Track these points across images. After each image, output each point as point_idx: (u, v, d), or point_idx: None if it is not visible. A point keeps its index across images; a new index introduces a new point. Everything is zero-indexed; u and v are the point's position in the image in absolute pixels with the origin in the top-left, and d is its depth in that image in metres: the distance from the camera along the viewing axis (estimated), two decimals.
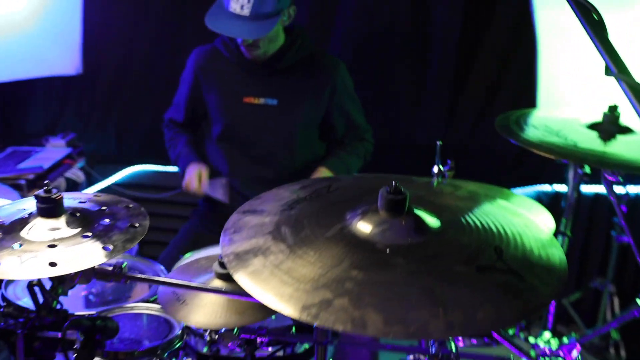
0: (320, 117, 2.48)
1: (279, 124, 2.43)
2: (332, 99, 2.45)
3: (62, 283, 1.21)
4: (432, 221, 1.19)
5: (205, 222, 2.50)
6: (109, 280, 1.17)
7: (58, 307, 1.36)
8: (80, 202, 1.22)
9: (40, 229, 1.12)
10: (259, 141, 2.45)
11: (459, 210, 1.27)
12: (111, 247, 1.08)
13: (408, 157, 3.27)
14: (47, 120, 3.42)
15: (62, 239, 1.10)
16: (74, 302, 1.70)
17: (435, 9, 3.04)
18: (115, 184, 3.37)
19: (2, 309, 1.57)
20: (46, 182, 1.11)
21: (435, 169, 1.70)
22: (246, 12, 2.16)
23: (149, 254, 3.59)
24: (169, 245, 2.44)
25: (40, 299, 1.33)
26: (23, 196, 2.52)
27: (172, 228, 2.97)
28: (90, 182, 3.08)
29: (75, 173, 2.81)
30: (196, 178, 2.38)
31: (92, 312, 1.58)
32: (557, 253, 1.15)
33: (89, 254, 1.07)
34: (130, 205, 1.22)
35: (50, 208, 1.12)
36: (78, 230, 1.13)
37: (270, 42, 2.30)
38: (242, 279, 1.07)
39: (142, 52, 3.29)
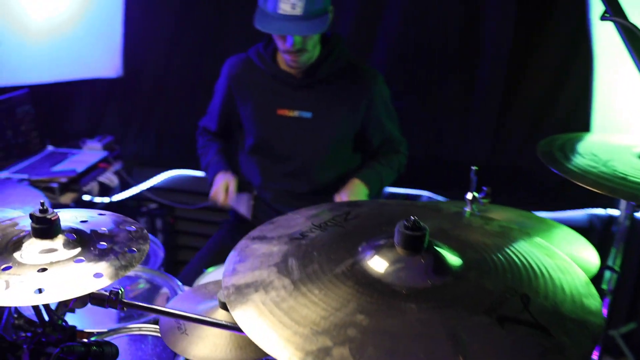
0: (355, 130, 2.39)
1: (313, 137, 2.34)
2: (369, 111, 2.36)
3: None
4: (454, 260, 1.08)
5: (233, 234, 2.44)
6: (105, 306, 1.11)
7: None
8: (81, 222, 1.16)
9: (35, 250, 1.06)
10: (293, 154, 2.37)
11: (486, 248, 1.16)
12: (103, 274, 1.01)
13: (452, 173, 3.14)
14: (89, 121, 3.44)
15: (54, 263, 1.03)
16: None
17: (486, 20, 2.90)
18: (152, 189, 3.37)
19: (13, 321, 1.54)
20: (41, 201, 1.05)
21: (469, 196, 1.58)
22: (298, 11, 2.09)
23: (183, 259, 3.60)
24: (194, 257, 2.38)
25: (46, 317, 1.29)
26: (53, 200, 2.51)
27: (206, 234, 2.93)
28: (124, 186, 3.07)
29: (109, 177, 2.79)
30: (223, 189, 2.32)
31: (103, 329, 1.53)
32: (593, 305, 1.03)
33: (80, 280, 1.00)
34: (133, 227, 1.16)
35: (44, 229, 1.06)
36: (73, 253, 1.06)
37: (315, 46, 2.23)
38: (238, 315, 0.99)
39: (184, 57, 3.27)
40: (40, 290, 0.97)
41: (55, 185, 2.50)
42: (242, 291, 1.04)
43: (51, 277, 1.00)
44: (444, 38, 2.96)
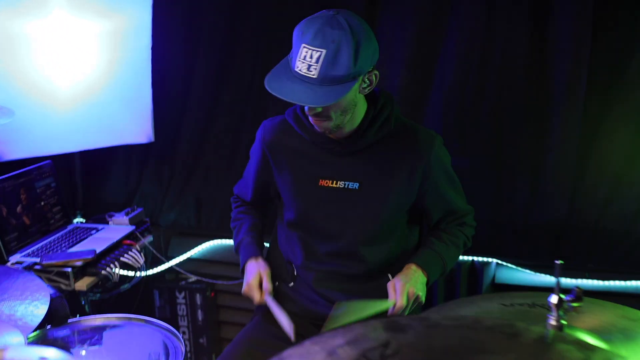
0: (410, 202, 2.03)
1: (362, 211, 1.99)
2: (426, 181, 1.99)
3: None
4: None
5: (267, 325, 2.10)
6: None
7: None
8: None
9: None
10: (338, 231, 2.03)
11: None
12: None
13: (524, 240, 2.74)
14: (125, 190, 3.24)
15: None
16: None
17: (555, 63, 2.53)
18: (191, 260, 3.13)
19: None
20: None
21: (554, 299, 1.19)
22: (313, 74, 1.73)
23: (225, 336, 3.29)
24: (222, 354, 2.05)
25: None
26: (67, 287, 2.24)
27: (250, 308, 2.60)
28: (152, 263, 2.79)
29: (134, 256, 2.49)
30: (256, 285, 2.01)
31: None
32: None
33: None
34: None
35: None
36: None
37: (344, 113, 1.87)
38: None
39: (222, 120, 3.05)
40: None
41: (69, 269, 2.22)
42: None
43: None
44: (509, 86, 2.61)
